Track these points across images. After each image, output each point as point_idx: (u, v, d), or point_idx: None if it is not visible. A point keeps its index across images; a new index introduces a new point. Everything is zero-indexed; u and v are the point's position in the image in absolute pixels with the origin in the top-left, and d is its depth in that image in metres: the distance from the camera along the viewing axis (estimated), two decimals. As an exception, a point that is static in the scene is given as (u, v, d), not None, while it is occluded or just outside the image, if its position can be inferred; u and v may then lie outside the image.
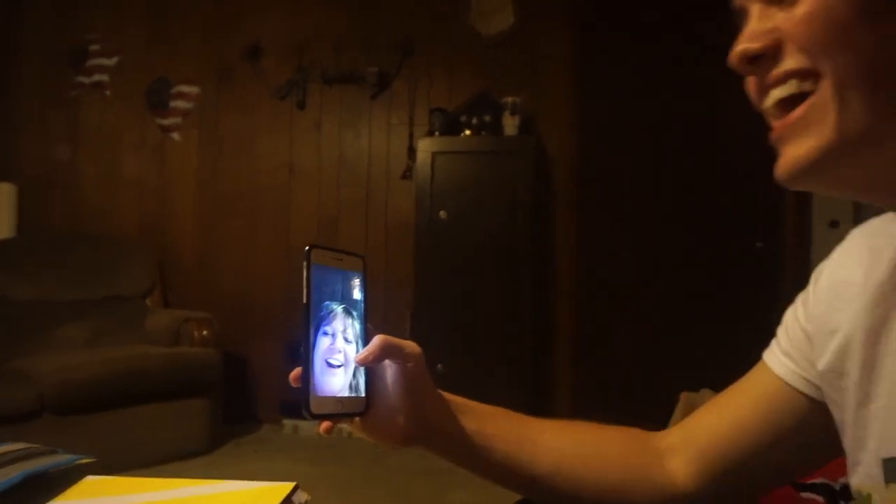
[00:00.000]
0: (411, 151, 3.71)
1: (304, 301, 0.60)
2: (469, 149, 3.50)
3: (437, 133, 3.55)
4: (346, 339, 0.63)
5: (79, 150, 4.10)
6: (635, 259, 3.63)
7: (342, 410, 0.62)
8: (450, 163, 3.47)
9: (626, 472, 0.67)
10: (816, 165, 0.45)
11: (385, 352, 0.62)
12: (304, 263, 0.60)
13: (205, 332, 3.29)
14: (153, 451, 2.84)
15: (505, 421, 0.69)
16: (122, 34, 4.07)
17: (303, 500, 0.55)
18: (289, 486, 0.55)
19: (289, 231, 3.91)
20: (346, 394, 0.62)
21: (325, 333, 0.61)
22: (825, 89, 0.43)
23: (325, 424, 0.62)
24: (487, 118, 3.51)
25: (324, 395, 0.60)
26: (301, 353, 0.59)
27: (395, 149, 3.81)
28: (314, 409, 0.59)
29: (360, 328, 0.65)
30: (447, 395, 0.69)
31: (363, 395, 0.64)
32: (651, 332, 3.59)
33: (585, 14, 3.71)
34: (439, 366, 3.36)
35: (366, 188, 3.85)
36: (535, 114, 3.63)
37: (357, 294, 0.65)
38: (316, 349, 0.60)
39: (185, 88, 4.00)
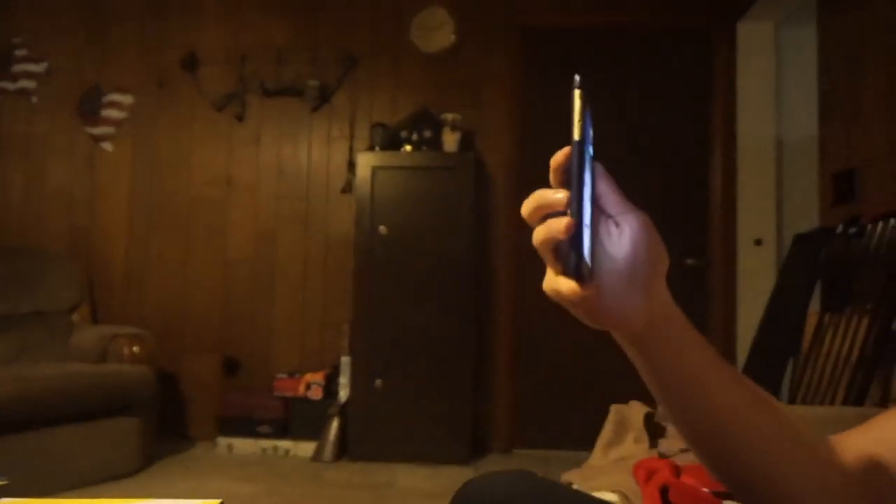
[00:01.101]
0: (351, 166, 3.70)
1: (577, 138, 0.49)
2: (409, 164, 3.52)
3: (377, 148, 3.56)
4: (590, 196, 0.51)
5: (2, 159, 3.93)
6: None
7: (588, 277, 0.49)
8: (390, 178, 3.48)
9: (812, 465, 0.58)
10: None
11: (611, 189, 0.53)
12: (577, 93, 0.49)
13: (135, 349, 3.19)
14: (80, 472, 2.73)
15: (719, 360, 0.58)
16: (52, 39, 3.93)
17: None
18: (214, 502, 0.55)
19: (225, 245, 3.83)
20: (588, 258, 0.50)
21: (588, 184, 0.50)
22: None
23: (586, 293, 0.50)
24: (428, 134, 3.54)
25: (588, 258, 0.48)
26: (570, 199, 0.48)
27: (336, 163, 3.80)
28: (584, 270, 0.48)
29: (591, 185, 0.51)
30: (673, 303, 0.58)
31: (590, 265, 0.50)
32: (587, 346, 3.67)
33: (525, 32, 3.81)
34: (378, 381, 3.36)
35: (305, 202, 3.82)
36: (474, 130, 3.68)
37: (590, 148, 0.52)
38: (585, 200, 0.48)
39: (119, 97, 3.89)
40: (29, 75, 3.91)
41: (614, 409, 1.57)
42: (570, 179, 0.49)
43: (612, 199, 0.52)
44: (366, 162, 3.49)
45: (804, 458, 0.57)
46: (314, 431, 3.38)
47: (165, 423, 3.56)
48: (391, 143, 3.57)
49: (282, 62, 3.81)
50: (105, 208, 3.90)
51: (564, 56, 3.82)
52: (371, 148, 3.59)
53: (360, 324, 3.42)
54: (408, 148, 3.54)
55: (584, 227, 0.47)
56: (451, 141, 3.52)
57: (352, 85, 3.81)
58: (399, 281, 3.42)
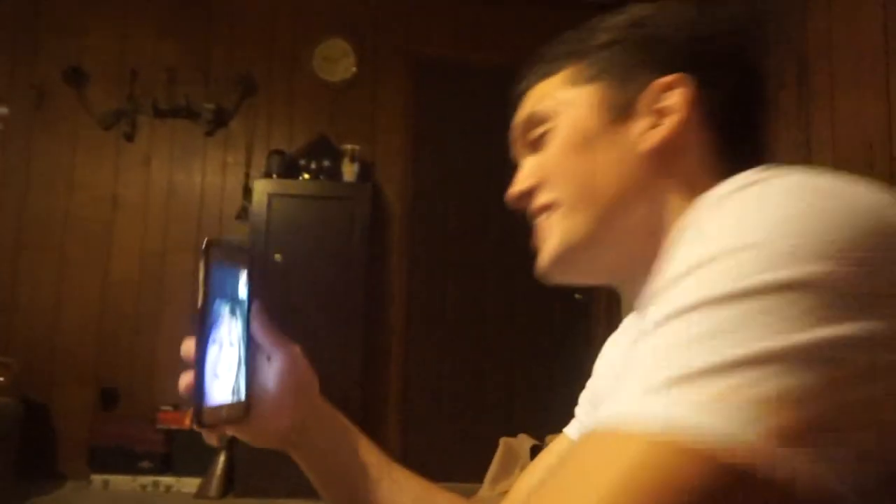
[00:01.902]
0: (247, 192, 3.63)
1: (200, 304, 0.57)
2: (307, 193, 3.50)
3: (274, 175, 3.52)
4: (230, 344, 0.61)
5: None
6: (462, 305, 3.80)
7: (226, 418, 0.61)
8: (287, 206, 3.44)
9: None
10: (556, 262, 0.60)
11: (265, 331, 0.66)
12: (202, 261, 0.57)
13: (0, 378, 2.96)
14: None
15: (375, 456, 0.70)
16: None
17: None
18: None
19: (108, 267, 3.64)
20: (229, 400, 0.61)
21: (213, 342, 0.58)
22: (554, 215, 0.59)
23: (213, 435, 0.61)
24: (326, 163, 3.54)
25: (212, 404, 0.58)
26: (194, 361, 0.57)
27: (230, 187, 3.72)
28: (206, 419, 0.57)
29: (243, 327, 0.63)
30: (330, 409, 0.70)
31: (243, 398, 0.63)
32: (478, 379, 3.76)
33: (421, 64, 3.89)
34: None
35: (197, 226, 3.70)
36: (373, 161, 3.72)
37: (243, 291, 0.63)
38: (206, 357, 0.57)
39: (-8, 108, 3.64)
40: None
41: (503, 442, 1.62)
42: (196, 339, 0.57)
43: (265, 335, 0.66)
44: (262, 189, 3.44)
45: None
46: (199, 466, 3.23)
47: (31, 459, 3.30)
48: (289, 170, 3.54)
49: (175, 82, 3.70)
50: (-31, 226, 3.61)
51: (460, 89, 3.93)
52: (268, 175, 3.54)
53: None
54: (306, 176, 3.52)
55: (203, 381, 0.56)
56: (349, 171, 3.53)
57: (249, 110, 3.75)
58: (292, 309, 3.37)
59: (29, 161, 3.66)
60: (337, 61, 3.80)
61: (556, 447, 0.73)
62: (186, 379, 0.60)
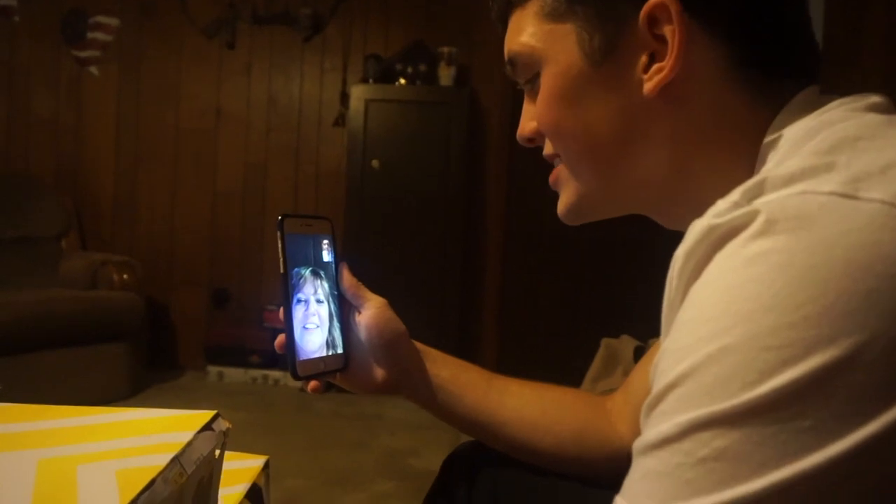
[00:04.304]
0: (344, 98, 3.63)
1: (282, 271, 0.63)
2: (403, 98, 3.45)
3: (371, 80, 3.49)
4: (318, 301, 0.67)
5: (-15, 82, 3.82)
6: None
7: (324, 369, 0.67)
8: (383, 111, 3.42)
9: (580, 427, 0.72)
10: (574, 214, 0.58)
11: (350, 287, 0.69)
12: (278, 234, 0.63)
13: (125, 276, 3.19)
14: (71, 396, 2.76)
15: (475, 373, 0.74)
16: (32, -43, 3.77)
17: (223, 427, 0.55)
18: (209, 413, 0.55)
19: (215, 176, 3.79)
20: (324, 352, 0.67)
21: (299, 301, 0.65)
22: (563, 165, 0.56)
23: (312, 384, 0.67)
24: (423, 67, 3.47)
25: (307, 357, 0.65)
26: (283, 321, 0.64)
27: (328, 95, 3.73)
28: (300, 371, 0.64)
29: (330, 286, 0.69)
30: (421, 346, 0.74)
31: (341, 350, 0.69)
32: (575, 279, 3.70)
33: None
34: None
35: (296, 134, 3.76)
36: (469, 65, 3.61)
37: (327, 255, 0.69)
38: (293, 316, 0.64)
39: (104, 19, 3.76)
40: (10, -7, 3.77)
41: (605, 343, 1.60)
42: (283, 302, 0.64)
43: (352, 292, 0.70)
44: (359, 95, 3.42)
45: (592, 442, 0.71)
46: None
47: (155, 352, 3.59)
48: (385, 75, 3.49)
49: (272, -13, 3.69)
50: (91, 136, 3.83)
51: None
52: (364, 80, 3.51)
53: (350, 258, 3.41)
54: (402, 81, 3.47)
55: (294, 340, 0.64)
56: (446, 75, 3.45)
57: (345, 14, 3.70)
58: (390, 216, 3.41)
59: (142, 73, 3.80)
60: (433, -41, 3.64)
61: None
62: (281, 337, 0.66)
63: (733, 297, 0.33)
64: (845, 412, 0.30)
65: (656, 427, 0.34)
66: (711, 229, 0.36)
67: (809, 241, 0.33)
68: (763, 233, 0.34)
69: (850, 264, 0.32)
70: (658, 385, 0.35)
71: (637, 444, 0.36)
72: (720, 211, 0.37)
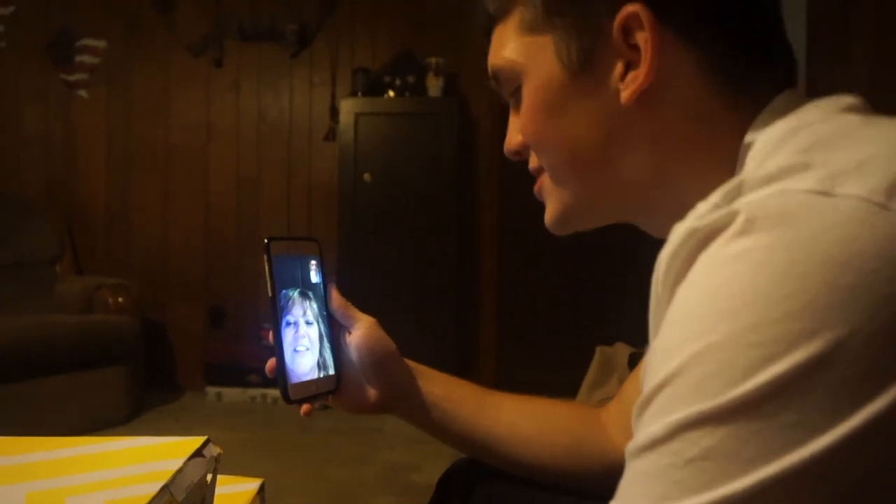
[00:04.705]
0: (334, 112, 3.64)
1: (270, 294, 0.63)
2: (393, 110, 3.46)
3: (360, 94, 3.49)
4: (307, 323, 0.66)
5: (-27, 107, 3.82)
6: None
7: (317, 391, 0.66)
8: (373, 124, 3.43)
9: (575, 441, 0.72)
10: (561, 223, 0.58)
11: (340, 307, 0.69)
12: (265, 257, 0.63)
13: (120, 299, 3.17)
14: (69, 422, 2.74)
15: (468, 389, 0.74)
16: (17, -19, 3.77)
17: (214, 453, 0.54)
18: (199, 439, 0.54)
19: (207, 192, 3.78)
20: (316, 374, 0.67)
21: (288, 323, 0.64)
22: (547, 176, 0.57)
23: (305, 407, 0.66)
24: (411, 79, 3.47)
25: (298, 380, 0.64)
26: (273, 344, 0.64)
27: (318, 109, 3.73)
28: (292, 395, 0.64)
29: (319, 307, 0.68)
30: (413, 364, 0.73)
31: (332, 372, 0.69)
32: (570, 286, 3.70)
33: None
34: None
35: (287, 149, 3.76)
36: (457, 74, 3.61)
37: (315, 276, 0.69)
38: (283, 339, 0.64)
39: (91, 42, 3.76)
40: (-4, 19, 3.77)
41: (599, 350, 1.59)
42: (272, 325, 0.64)
43: (341, 312, 0.70)
44: (348, 108, 3.43)
45: (588, 455, 0.71)
46: (302, 379, 3.39)
47: (153, 373, 3.57)
48: (373, 88, 3.50)
49: (257, 2, 3.70)
50: (82, 155, 3.82)
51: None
52: (354, 94, 3.52)
53: (344, 271, 3.41)
54: (391, 93, 3.48)
55: (285, 363, 0.64)
56: (434, 86, 3.45)
57: (332, 28, 3.71)
58: (383, 228, 3.41)
59: (131, 93, 3.80)
60: (417, -29, 3.66)
61: None
62: (272, 361, 0.66)
63: (716, 295, 0.34)
64: (829, 406, 0.31)
65: (646, 429, 0.34)
66: (693, 231, 0.37)
67: (789, 239, 0.33)
68: (743, 232, 0.34)
69: (829, 260, 0.32)
70: (647, 386, 0.36)
71: (629, 447, 0.36)
72: (701, 213, 0.38)
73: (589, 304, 3.66)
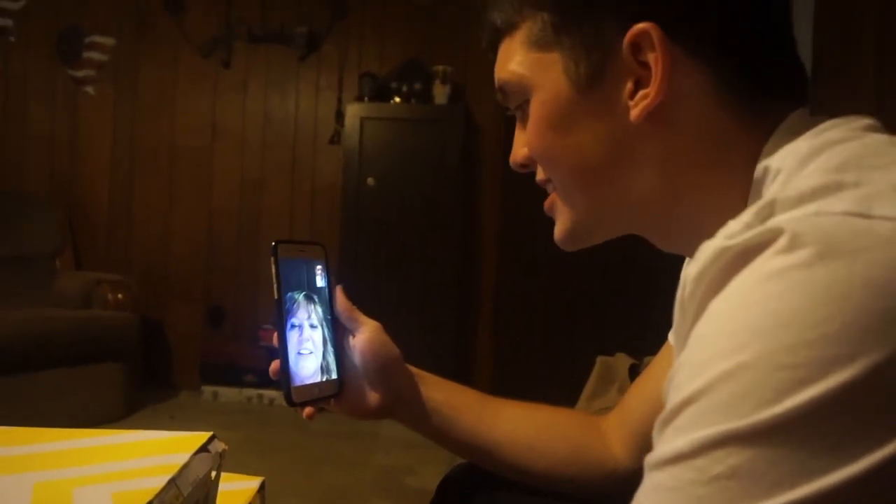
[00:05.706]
0: (339, 116, 3.65)
1: (276, 297, 0.64)
2: (398, 116, 3.47)
3: (366, 99, 3.50)
4: (311, 326, 0.67)
5: (-20, 100, 3.83)
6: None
7: (319, 395, 0.67)
8: (379, 129, 3.44)
9: (574, 449, 0.72)
10: (571, 240, 0.58)
11: (345, 310, 0.69)
12: (272, 260, 0.63)
13: (119, 296, 3.18)
14: (65, 416, 2.74)
15: (469, 395, 0.75)
16: (29, -24, 3.79)
17: (219, 449, 0.55)
18: (205, 435, 0.55)
19: (211, 193, 3.79)
20: (319, 378, 0.67)
21: (293, 326, 0.65)
22: (556, 192, 0.57)
23: (308, 410, 0.66)
24: (417, 86, 3.49)
25: (301, 383, 0.65)
26: (277, 346, 0.64)
27: (323, 113, 3.74)
28: (295, 398, 0.64)
29: (324, 311, 0.69)
30: (415, 369, 0.73)
31: (335, 376, 0.69)
32: (572, 294, 3.70)
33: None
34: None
35: (292, 151, 3.77)
36: (464, 83, 3.63)
37: (320, 280, 0.69)
38: (288, 342, 0.64)
39: (100, 39, 3.78)
40: (5, 13, 3.78)
41: (600, 360, 1.60)
42: (276, 328, 0.64)
43: (346, 316, 0.70)
44: (354, 113, 3.44)
45: (587, 463, 0.71)
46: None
47: (150, 371, 3.57)
48: (380, 94, 3.51)
49: (267, 6, 3.72)
50: (87, 152, 3.83)
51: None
52: (360, 99, 3.53)
53: (346, 275, 3.42)
54: (397, 100, 3.49)
55: (289, 365, 0.64)
56: (441, 93, 3.47)
57: (341, 33, 3.72)
58: (386, 233, 3.41)
59: (138, 91, 3.81)
60: (427, -21, 3.67)
61: (666, 352, 0.70)
62: (275, 363, 0.66)
63: (751, 313, 0.33)
64: (861, 433, 0.30)
65: (670, 442, 0.34)
66: (724, 250, 0.36)
67: (828, 260, 0.33)
68: (788, 249, 0.34)
69: (868, 283, 0.31)
70: (673, 400, 0.35)
71: (650, 459, 0.35)
72: (733, 232, 0.37)
73: (588, 314, 3.66)
